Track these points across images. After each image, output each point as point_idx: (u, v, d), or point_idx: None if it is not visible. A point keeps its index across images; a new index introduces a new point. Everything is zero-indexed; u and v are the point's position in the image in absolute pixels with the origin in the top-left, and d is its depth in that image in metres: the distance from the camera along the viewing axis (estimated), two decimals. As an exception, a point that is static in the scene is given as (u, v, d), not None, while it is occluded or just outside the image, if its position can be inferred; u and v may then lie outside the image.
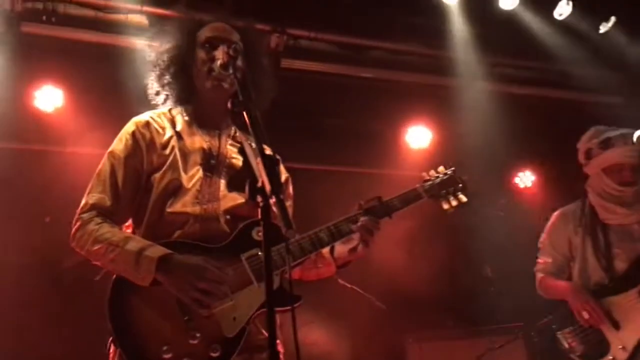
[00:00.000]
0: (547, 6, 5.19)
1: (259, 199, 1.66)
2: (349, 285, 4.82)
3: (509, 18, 5.14)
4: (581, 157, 3.56)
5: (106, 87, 4.42)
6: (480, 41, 5.29)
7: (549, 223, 3.65)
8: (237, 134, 2.42)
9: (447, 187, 2.53)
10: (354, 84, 5.40)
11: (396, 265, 5.37)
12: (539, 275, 3.60)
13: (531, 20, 5.26)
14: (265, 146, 1.87)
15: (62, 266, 4.87)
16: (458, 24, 5.10)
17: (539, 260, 3.64)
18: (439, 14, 5.04)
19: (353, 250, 2.33)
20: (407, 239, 5.40)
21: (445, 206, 2.54)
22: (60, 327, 4.70)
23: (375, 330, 5.30)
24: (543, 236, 3.66)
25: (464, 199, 2.54)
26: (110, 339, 2.08)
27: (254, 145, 2.35)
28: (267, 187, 1.64)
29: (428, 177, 2.55)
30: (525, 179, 6.74)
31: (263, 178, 1.67)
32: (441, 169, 2.59)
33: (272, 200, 1.64)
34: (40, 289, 4.75)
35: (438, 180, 2.54)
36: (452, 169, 2.59)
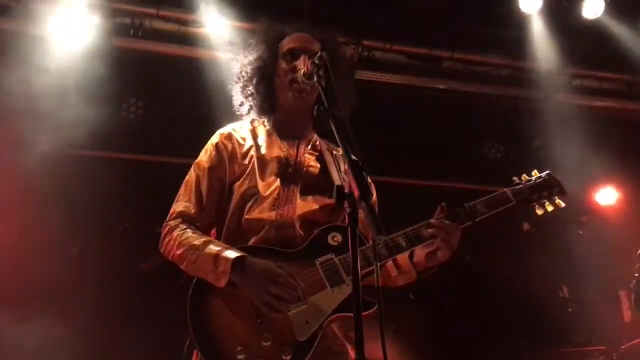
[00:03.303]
0: (635, 15, 4.96)
1: (346, 204, 1.65)
2: (412, 297, 4.72)
3: (592, 27, 4.95)
4: None
5: (190, 98, 4.60)
6: (561, 51, 5.11)
7: None
8: (318, 142, 2.45)
9: (541, 191, 2.37)
10: (428, 96, 5.34)
11: (465, 281, 5.23)
12: None
13: (617, 29, 5.04)
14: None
15: (138, 269, 5.06)
16: (538, 34, 4.95)
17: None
18: (519, 24, 4.91)
19: (432, 254, 2.24)
20: (476, 253, 5.26)
21: (540, 211, 2.38)
22: (137, 330, 4.87)
23: (442, 349, 5.17)
24: None
25: (562, 203, 2.37)
26: (188, 341, 2.14)
27: (334, 152, 2.40)
28: (356, 193, 1.63)
29: (518, 181, 2.40)
30: (607, 195, 6.42)
31: (351, 183, 1.67)
32: (534, 172, 2.43)
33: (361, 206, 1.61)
34: (119, 291, 4.95)
35: (530, 183, 2.38)
36: (547, 172, 2.42)
